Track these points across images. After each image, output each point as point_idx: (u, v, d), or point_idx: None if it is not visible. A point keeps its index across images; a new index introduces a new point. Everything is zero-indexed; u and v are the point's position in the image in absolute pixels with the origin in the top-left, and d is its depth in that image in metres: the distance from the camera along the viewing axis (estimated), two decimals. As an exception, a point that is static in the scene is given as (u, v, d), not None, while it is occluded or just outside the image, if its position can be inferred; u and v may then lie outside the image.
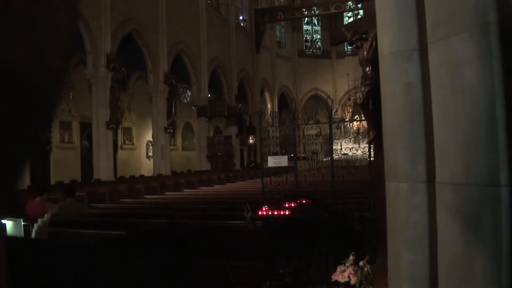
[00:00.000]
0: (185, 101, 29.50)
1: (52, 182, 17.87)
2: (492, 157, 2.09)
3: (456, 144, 2.29)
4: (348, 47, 40.16)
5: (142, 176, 21.33)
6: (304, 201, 7.92)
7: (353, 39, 4.81)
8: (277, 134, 10.37)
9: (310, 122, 8.58)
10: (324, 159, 11.56)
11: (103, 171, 18.87)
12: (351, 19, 39.01)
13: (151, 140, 25.32)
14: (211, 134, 29.63)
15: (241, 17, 35.23)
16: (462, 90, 2.24)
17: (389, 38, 2.75)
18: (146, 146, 28.26)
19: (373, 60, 4.27)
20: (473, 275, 2.17)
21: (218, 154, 27.58)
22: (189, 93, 28.92)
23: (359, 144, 8.49)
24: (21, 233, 4.51)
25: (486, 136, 2.12)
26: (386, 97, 2.85)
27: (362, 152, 7.97)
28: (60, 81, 0.39)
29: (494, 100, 2.08)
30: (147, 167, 25.96)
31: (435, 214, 2.46)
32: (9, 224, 4.55)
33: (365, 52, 4.53)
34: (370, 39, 4.47)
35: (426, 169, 2.54)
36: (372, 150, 5.43)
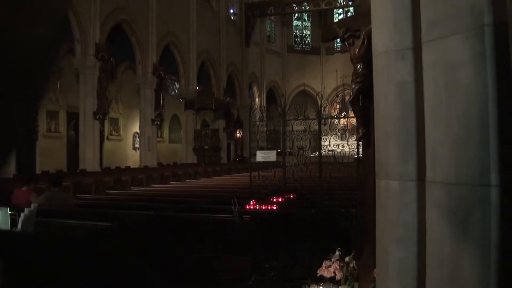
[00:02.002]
0: (173, 93, 29.41)
1: (38, 171, 17.74)
2: (483, 158, 2.11)
3: (447, 144, 2.31)
4: (338, 44, 40.32)
5: (128, 168, 21.26)
6: (291, 196, 7.94)
7: (345, 36, 4.82)
8: (265, 129, 10.38)
9: (299, 118, 8.59)
10: (311, 155, 11.59)
11: (89, 161, 18.77)
12: (341, 16, 39.16)
13: (138, 131, 25.24)
14: (198, 127, 29.59)
15: (231, 11, 35.16)
16: (455, 90, 2.26)
17: (383, 36, 2.76)
18: (133, 138, 28.15)
19: (364, 58, 4.29)
20: (461, 273, 2.20)
21: (205, 147, 27.56)
22: (177, 85, 28.84)
23: (347, 141, 8.51)
24: (7, 222, 4.49)
25: (478, 137, 2.14)
26: (378, 95, 2.87)
27: (349, 149, 8.00)
28: (50, 51, 0.39)
29: (487, 102, 2.10)
30: (133, 159, 25.88)
31: (424, 212, 2.48)
32: (-5, 213, 4.52)
33: (357, 50, 4.55)
34: (362, 37, 4.48)
35: (417, 167, 2.56)
36: (360, 147, 5.47)
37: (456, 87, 2.25)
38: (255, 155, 8.99)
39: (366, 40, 4.36)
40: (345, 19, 6.28)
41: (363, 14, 4.39)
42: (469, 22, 2.16)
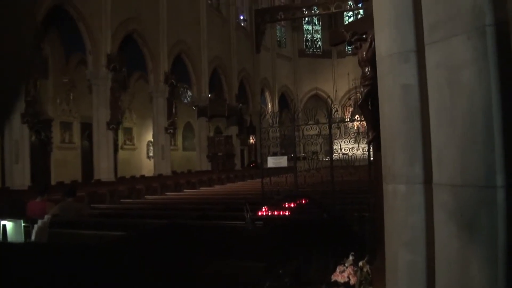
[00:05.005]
0: (185, 101, 29.52)
1: (53, 182, 17.90)
2: (489, 159, 2.09)
3: (453, 146, 2.29)
4: (349, 47, 40.23)
5: (142, 177, 21.35)
6: (303, 202, 7.92)
7: (352, 39, 4.81)
8: (277, 134, 10.37)
9: (309, 123, 8.59)
10: (324, 159, 11.56)
11: (103, 171, 18.89)
12: (352, 18, 39.07)
13: (152, 140, 25.36)
14: (212, 134, 29.66)
15: (241, 17, 35.26)
16: (459, 91, 2.24)
17: (386, 39, 2.76)
18: (147, 146, 28.29)
19: (372, 61, 4.27)
20: (470, 276, 2.17)
21: (219, 154, 27.63)
22: (189, 93, 28.95)
23: (358, 144, 8.47)
24: (21, 234, 4.53)
25: (483, 138, 2.12)
26: (383, 98, 2.86)
27: (362, 152, 7.97)
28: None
29: (491, 102, 2.08)
30: (147, 167, 25.98)
31: (432, 215, 2.46)
32: (9, 225, 4.56)
33: (364, 53, 4.54)
34: (369, 40, 4.47)
35: (423, 170, 2.55)
36: (371, 151, 5.45)
37: (460, 88, 2.24)
38: (267, 161, 8.99)
39: (373, 42, 4.34)
40: (353, 22, 6.26)
41: (369, 17, 4.38)
42: (470, 23, 2.14)
